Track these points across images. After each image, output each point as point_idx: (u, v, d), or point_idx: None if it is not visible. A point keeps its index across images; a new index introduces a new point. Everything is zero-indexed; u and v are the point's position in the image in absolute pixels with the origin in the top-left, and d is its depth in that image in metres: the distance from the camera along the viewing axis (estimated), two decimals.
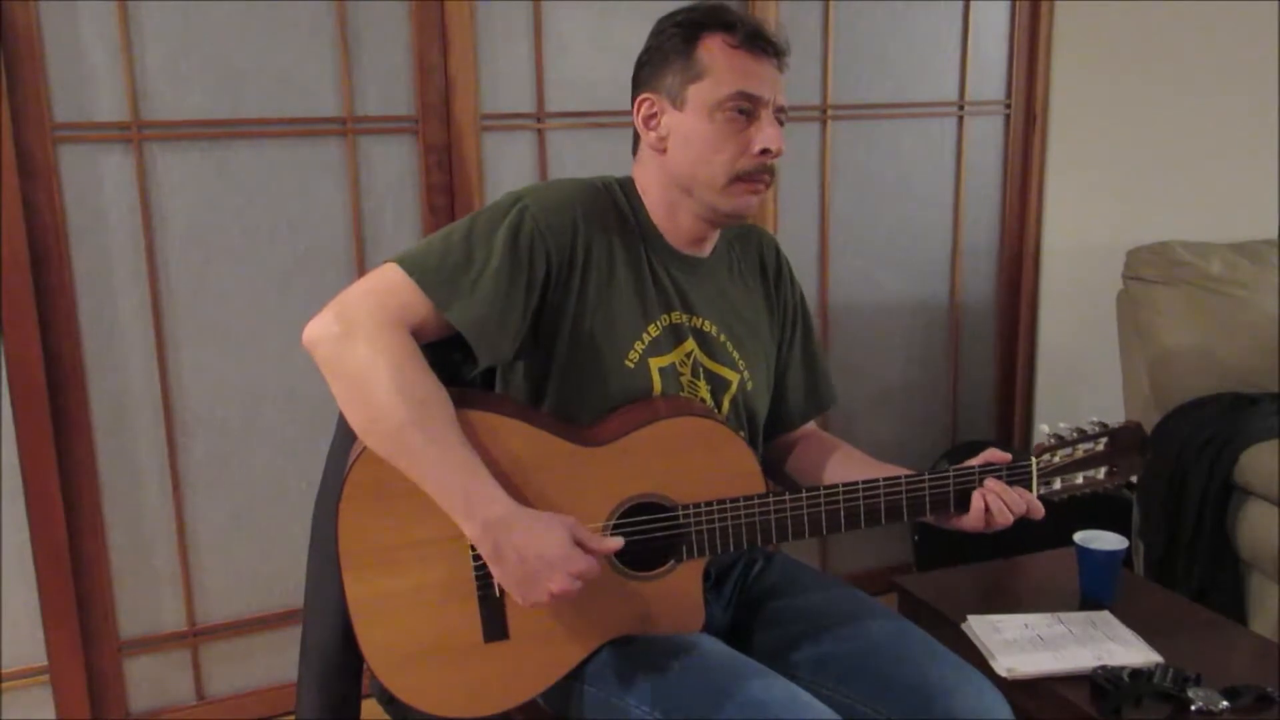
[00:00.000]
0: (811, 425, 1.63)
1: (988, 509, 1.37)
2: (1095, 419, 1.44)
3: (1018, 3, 2.78)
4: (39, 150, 2.02)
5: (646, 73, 1.40)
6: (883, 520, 1.39)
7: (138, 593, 2.23)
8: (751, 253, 1.54)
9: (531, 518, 1.24)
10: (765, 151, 1.35)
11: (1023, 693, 1.57)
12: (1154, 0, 2.75)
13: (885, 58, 2.69)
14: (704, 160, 1.36)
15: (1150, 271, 2.56)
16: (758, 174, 1.37)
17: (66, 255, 2.08)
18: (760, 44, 1.36)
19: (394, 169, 2.29)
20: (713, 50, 1.35)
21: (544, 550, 1.22)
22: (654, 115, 1.39)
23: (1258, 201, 2.83)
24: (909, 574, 2.09)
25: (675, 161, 1.38)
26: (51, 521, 2.11)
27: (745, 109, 1.35)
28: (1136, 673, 1.54)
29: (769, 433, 1.57)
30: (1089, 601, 1.81)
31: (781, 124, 1.39)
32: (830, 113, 2.65)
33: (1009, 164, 2.86)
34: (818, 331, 1.66)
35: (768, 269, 1.55)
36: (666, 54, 1.38)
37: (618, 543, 1.27)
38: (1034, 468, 1.40)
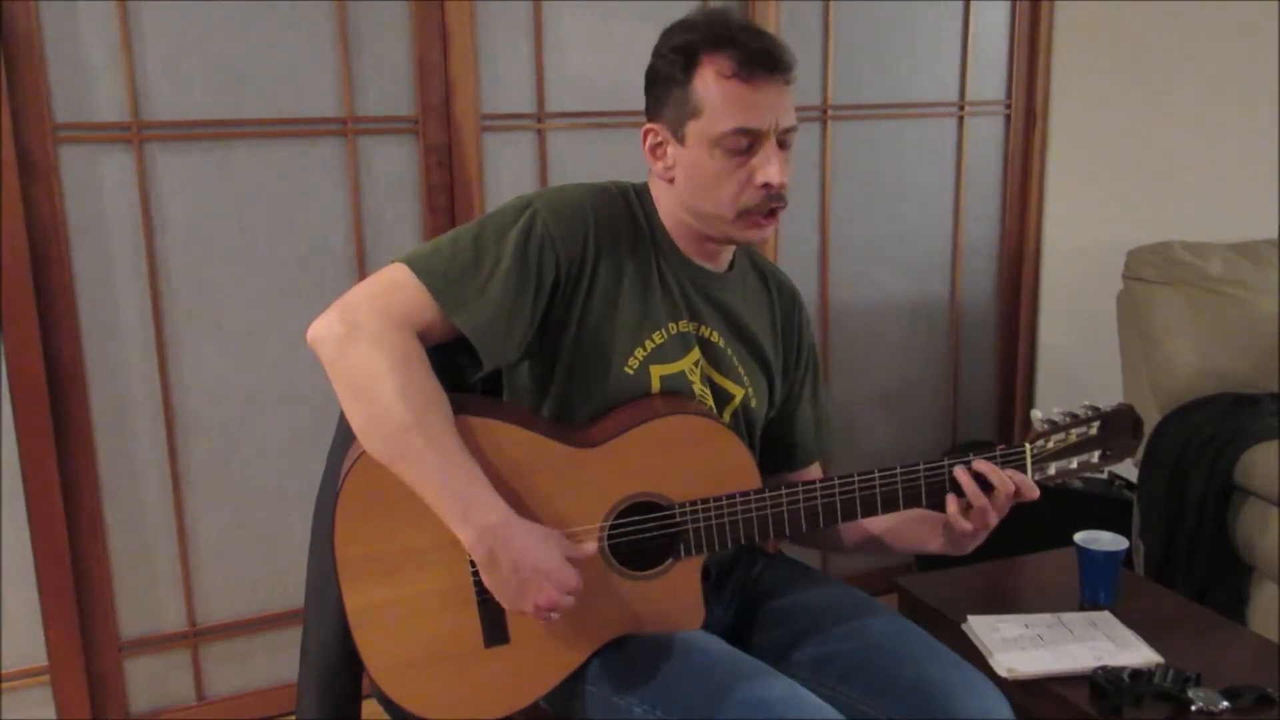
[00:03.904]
0: (817, 473, 1.62)
1: (980, 483, 1.36)
2: (1087, 403, 1.44)
3: (1018, 3, 2.78)
4: (39, 150, 2.02)
5: (650, 99, 1.38)
6: (879, 511, 1.38)
7: (138, 593, 2.23)
8: (770, 286, 1.53)
9: (527, 527, 1.24)
10: (768, 185, 1.33)
11: (1023, 693, 1.57)
12: (1154, 0, 2.75)
13: (885, 58, 2.69)
14: (710, 196, 1.35)
15: (1150, 272, 2.56)
16: (763, 205, 1.34)
17: (67, 255, 2.08)
18: (754, 69, 1.31)
19: (394, 169, 2.29)
20: (708, 83, 1.31)
21: (539, 561, 1.23)
22: (660, 144, 1.38)
23: (1258, 201, 2.83)
24: (909, 574, 2.10)
25: (683, 193, 1.37)
26: (51, 521, 2.11)
27: (743, 145, 1.32)
28: (1137, 673, 1.54)
29: (773, 469, 1.56)
30: (1089, 602, 1.80)
31: (786, 145, 1.35)
32: (830, 113, 2.66)
33: (1009, 164, 2.86)
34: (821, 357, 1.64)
35: (783, 304, 1.53)
36: (666, 83, 1.35)
37: (590, 548, 1.28)
38: (1028, 453, 1.40)
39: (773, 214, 1.36)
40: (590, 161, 2.43)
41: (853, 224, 2.74)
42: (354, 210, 2.27)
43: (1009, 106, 2.83)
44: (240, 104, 2.16)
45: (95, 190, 2.09)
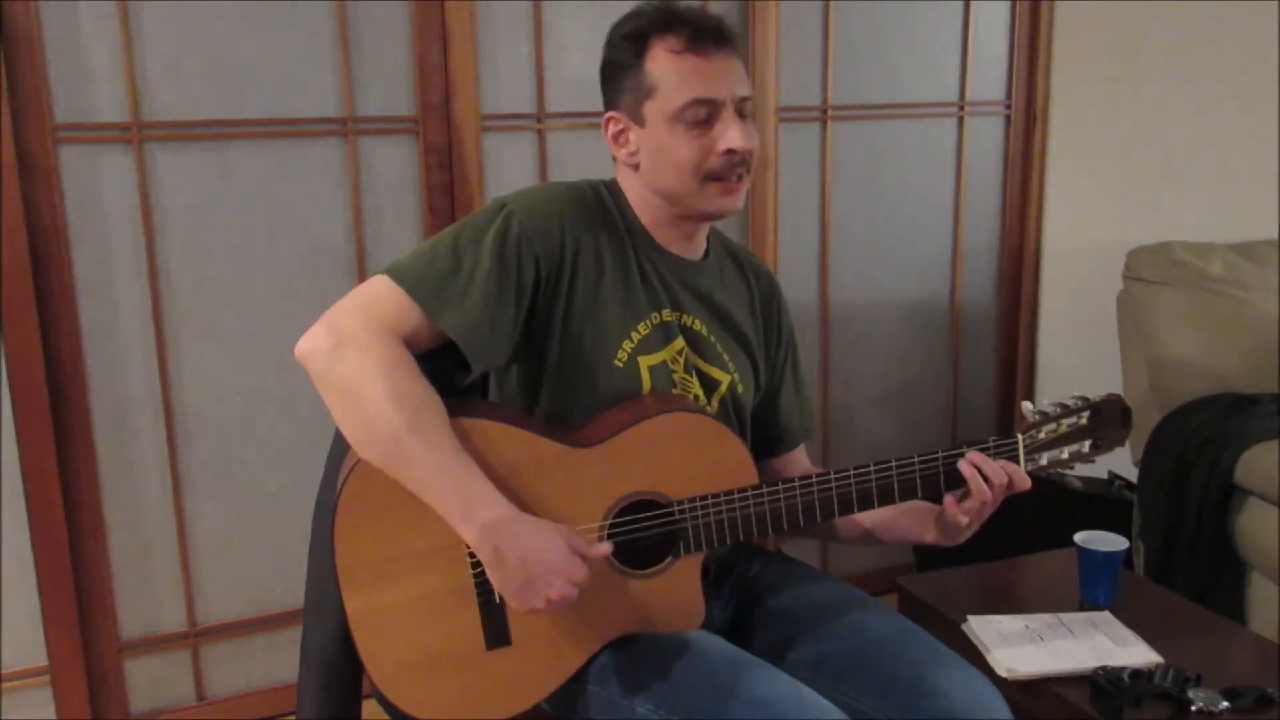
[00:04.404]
0: (805, 459, 1.62)
1: (979, 474, 1.37)
2: (1077, 393, 1.45)
3: (1018, 3, 2.78)
4: (39, 150, 2.02)
5: (607, 90, 1.41)
6: (875, 505, 1.39)
7: (138, 593, 2.23)
8: (747, 273, 1.54)
9: (531, 523, 1.24)
10: (731, 150, 1.35)
11: (1023, 693, 1.57)
12: (1154, 0, 2.75)
13: (885, 58, 2.69)
14: (675, 171, 1.36)
15: (1150, 272, 2.55)
16: (728, 171, 1.36)
17: (67, 256, 2.07)
18: (704, 42, 1.34)
19: (394, 169, 2.29)
20: (659, 61, 1.35)
21: (545, 555, 1.23)
22: (621, 132, 1.40)
23: (1258, 201, 2.83)
24: (909, 574, 2.09)
25: (649, 175, 1.39)
26: (51, 521, 2.11)
27: (702, 115, 1.34)
28: (1137, 673, 1.54)
29: (760, 455, 1.56)
30: (1089, 602, 1.80)
31: (745, 114, 1.37)
32: (830, 113, 2.65)
33: (1009, 164, 2.86)
34: (811, 350, 1.65)
35: (761, 289, 1.55)
36: (619, 69, 1.38)
37: (606, 548, 1.28)
38: (1020, 444, 1.41)
39: (740, 180, 1.38)
40: (590, 161, 2.42)
41: (853, 224, 2.74)
42: (354, 210, 2.27)
43: (1009, 106, 2.83)
44: (240, 104, 2.16)
45: (95, 190, 2.09)
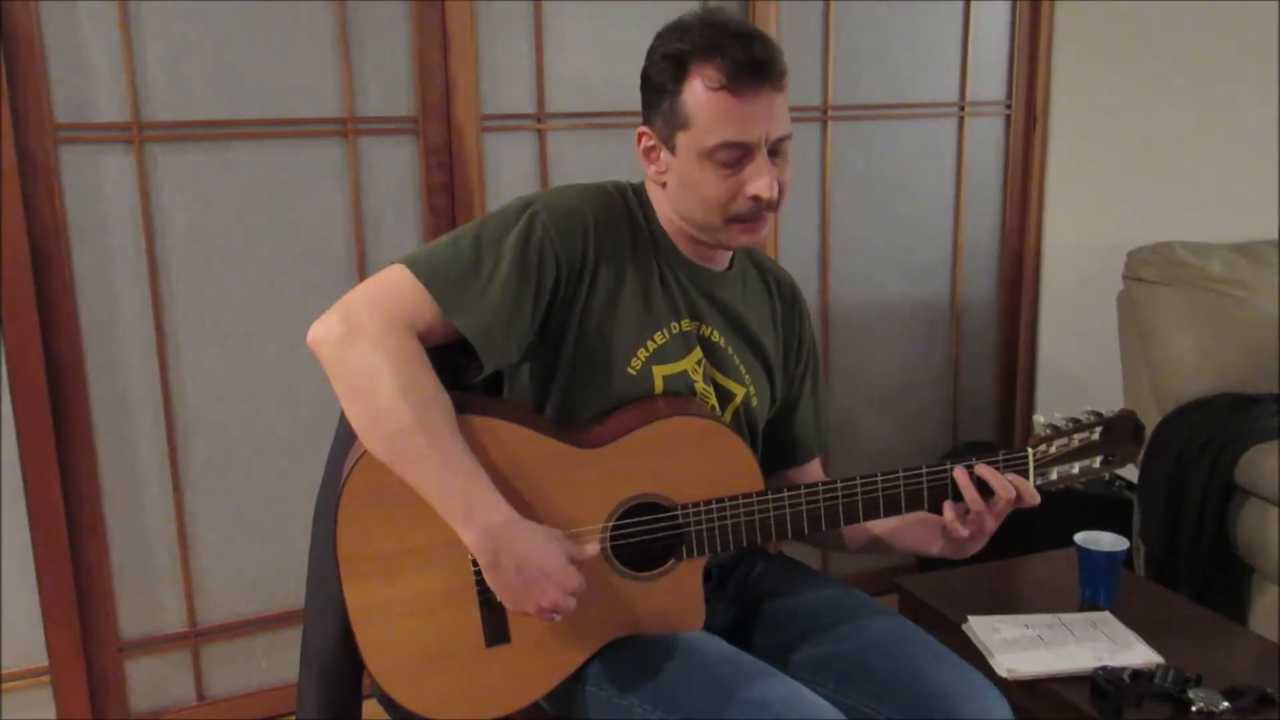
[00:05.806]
0: (820, 473, 1.62)
1: (980, 488, 1.36)
2: (1090, 409, 1.44)
3: (1018, 3, 2.78)
4: (39, 151, 2.02)
5: (644, 102, 1.38)
6: (881, 514, 1.39)
7: (138, 593, 2.23)
8: (770, 283, 1.53)
9: (530, 528, 1.24)
10: (757, 197, 1.32)
11: (1023, 693, 1.57)
12: (1154, 0, 2.75)
13: (885, 58, 2.69)
14: (700, 206, 1.34)
15: (1150, 272, 2.55)
16: (753, 215, 1.34)
17: (67, 255, 2.07)
18: (743, 80, 1.29)
19: (394, 169, 2.29)
20: (697, 94, 1.30)
21: (542, 562, 1.23)
22: (653, 149, 1.38)
23: (1258, 201, 2.83)
24: (910, 574, 2.09)
25: (675, 199, 1.38)
26: (52, 522, 2.11)
27: (734, 157, 1.31)
28: (1137, 673, 1.54)
29: (774, 466, 1.56)
30: (1089, 602, 1.81)
31: (780, 152, 1.34)
32: (830, 113, 2.65)
33: (1009, 164, 2.86)
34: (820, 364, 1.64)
35: (783, 300, 1.53)
36: (657, 90, 1.34)
37: (594, 550, 1.28)
38: (1030, 458, 1.40)
39: (760, 222, 1.36)
40: (590, 161, 2.43)
41: (853, 224, 2.74)
42: (354, 211, 2.27)
43: (1009, 106, 2.83)
44: (240, 104, 2.16)
45: (95, 190, 2.09)
